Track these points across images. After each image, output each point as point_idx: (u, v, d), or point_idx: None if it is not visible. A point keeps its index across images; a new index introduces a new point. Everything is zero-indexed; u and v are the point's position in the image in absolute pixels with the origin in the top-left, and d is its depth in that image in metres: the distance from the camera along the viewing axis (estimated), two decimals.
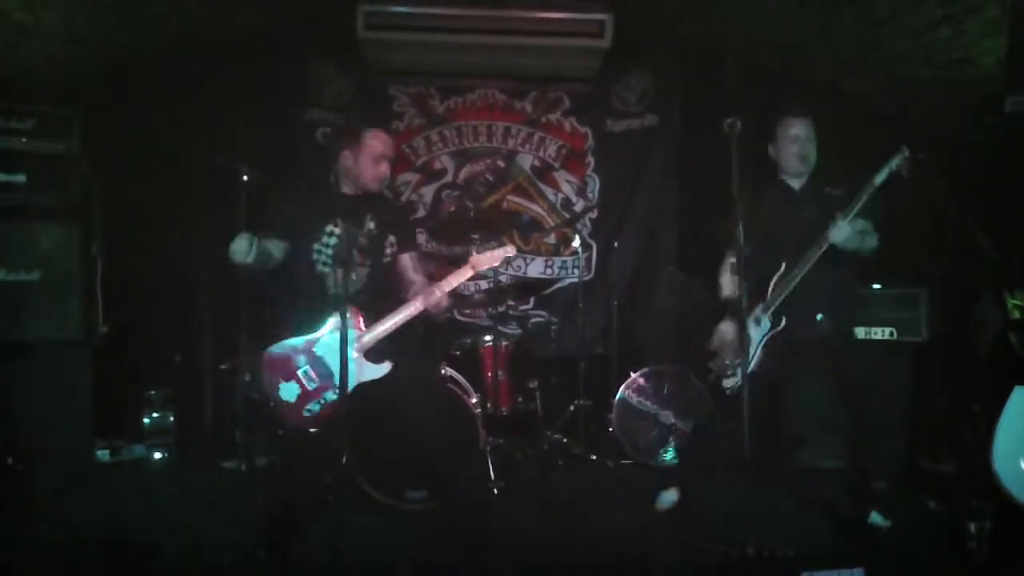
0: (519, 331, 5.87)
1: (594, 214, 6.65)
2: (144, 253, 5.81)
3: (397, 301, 3.85)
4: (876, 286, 5.28)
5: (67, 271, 4.82)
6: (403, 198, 6.50)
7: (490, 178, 6.65)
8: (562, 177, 6.68)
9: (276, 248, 3.90)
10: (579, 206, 6.63)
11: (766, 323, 4.14)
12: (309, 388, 3.68)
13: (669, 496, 4.39)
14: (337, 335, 3.58)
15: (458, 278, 3.83)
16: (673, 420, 5.43)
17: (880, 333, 5.23)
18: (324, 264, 3.76)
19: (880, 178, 3.91)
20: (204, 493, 4.78)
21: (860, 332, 5.24)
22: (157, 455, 5.47)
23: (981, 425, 4.59)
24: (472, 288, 6.46)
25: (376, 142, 3.79)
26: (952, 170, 5.60)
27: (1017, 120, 4.22)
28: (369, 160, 3.75)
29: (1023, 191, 5.04)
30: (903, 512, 4.30)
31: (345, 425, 3.74)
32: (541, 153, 6.66)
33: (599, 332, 6.24)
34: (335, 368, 3.63)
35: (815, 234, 3.99)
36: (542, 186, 6.68)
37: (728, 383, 4.27)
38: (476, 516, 3.82)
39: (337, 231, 3.75)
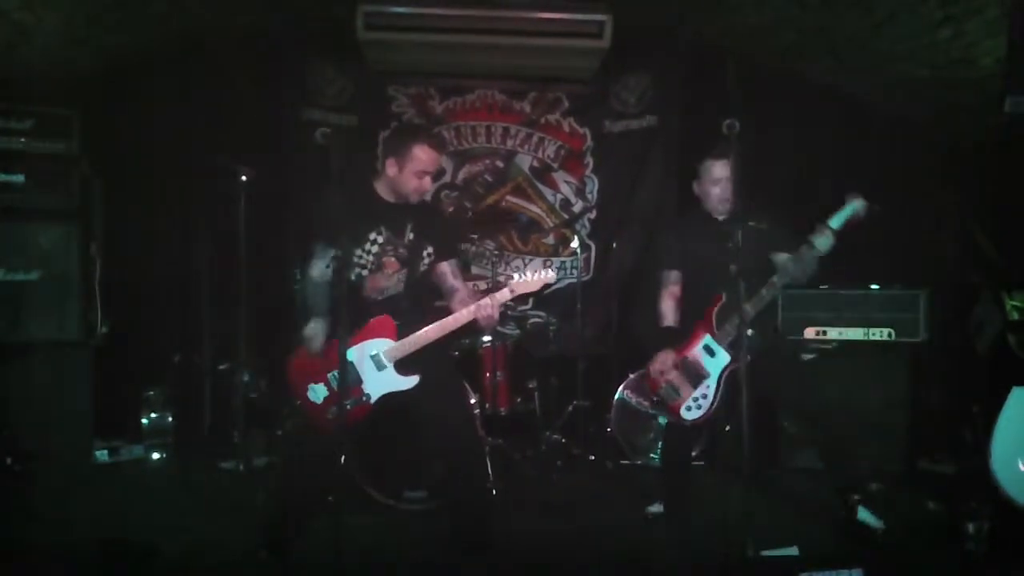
0: (518, 332, 5.87)
1: (593, 215, 6.64)
2: (143, 253, 5.81)
3: (434, 312, 3.81)
4: (874, 287, 5.28)
5: (66, 271, 4.82)
6: None
7: (489, 179, 6.64)
8: (561, 178, 6.68)
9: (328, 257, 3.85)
10: (578, 207, 6.63)
11: (723, 355, 4.02)
12: (337, 391, 3.66)
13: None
14: (372, 342, 3.64)
15: (495, 302, 3.72)
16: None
17: (879, 334, 5.23)
18: (363, 268, 3.74)
19: (837, 222, 3.89)
20: (203, 493, 4.78)
21: (859, 333, 5.25)
22: (156, 455, 5.47)
23: (980, 426, 4.60)
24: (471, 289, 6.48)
25: (423, 155, 3.73)
26: (952, 171, 5.61)
27: (1017, 121, 4.22)
28: (412, 174, 3.69)
29: (1022, 192, 5.05)
30: (902, 513, 4.31)
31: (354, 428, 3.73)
32: (540, 154, 6.66)
33: (598, 333, 6.24)
34: (364, 375, 3.63)
35: (748, 264, 3.85)
36: (541, 187, 6.67)
37: (688, 416, 4.10)
38: (475, 516, 3.80)
39: (380, 239, 3.73)
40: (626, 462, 5.41)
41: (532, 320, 6.18)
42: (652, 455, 5.40)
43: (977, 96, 5.11)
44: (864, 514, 4.05)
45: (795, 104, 6.08)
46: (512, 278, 3.78)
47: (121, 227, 5.49)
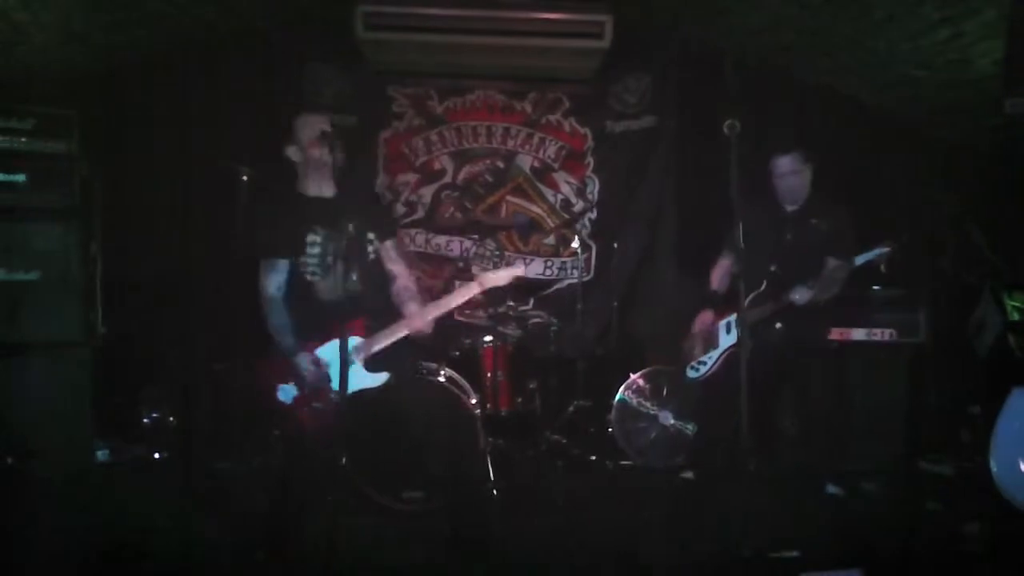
0: (519, 332, 5.87)
1: (593, 215, 6.64)
2: (143, 253, 5.81)
3: (387, 303, 3.80)
4: (876, 287, 5.28)
5: (66, 271, 4.80)
6: (402, 199, 6.50)
7: (489, 179, 6.64)
8: (561, 178, 6.68)
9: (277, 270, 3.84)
10: (578, 207, 6.63)
11: (734, 336, 4.34)
12: (306, 391, 3.66)
13: None
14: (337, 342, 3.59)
15: (463, 296, 3.78)
16: (672, 421, 5.43)
17: (880, 334, 5.23)
18: (312, 273, 3.71)
19: (861, 260, 4.50)
20: (202, 493, 4.78)
21: (861, 333, 5.25)
22: (156, 455, 5.46)
23: (980, 427, 4.61)
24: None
25: (305, 126, 3.72)
26: (951, 172, 5.61)
27: (1016, 122, 4.22)
28: (309, 146, 3.67)
29: (1022, 193, 5.05)
30: (902, 513, 4.31)
31: (344, 426, 3.72)
32: (540, 154, 6.66)
33: (598, 333, 6.24)
34: (333, 373, 3.60)
35: (796, 259, 4.21)
36: (541, 187, 6.67)
37: (691, 373, 4.64)
38: (475, 517, 3.80)
39: (318, 239, 3.70)
40: (627, 463, 5.41)
41: (533, 320, 6.18)
42: (653, 456, 5.41)
43: (975, 97, 5.11)
44: (831, 488, 4.53)
45: (793, 104, 6.08)
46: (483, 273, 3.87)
47: (121, 227, 5.48)
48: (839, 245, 4.41)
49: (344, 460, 3.70)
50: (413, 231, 6.52)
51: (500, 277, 3.82)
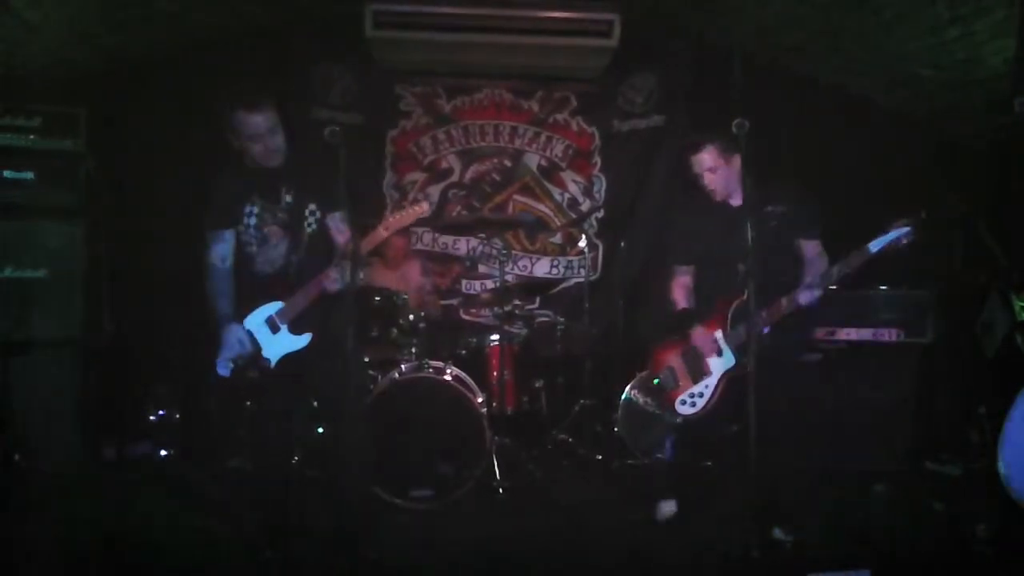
0: (525, 331, 5.87)
1: (600, 214, 6.64)
2: (150, 251, 5.81)
3: (320, 271, 3.69)
4: (883, 287, 5.27)
5: (73, 269, 4.82)
6: (409, 197, 6.49)
7: (497, 178, 6.65)
8: (569, 177, 6.68)
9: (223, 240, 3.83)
10: (585, 206, 6.62)
11: (729, 356, 3.96)
12: (238, 363, 3.70)
13: (668, 507, 4.29)
14: (266, 309, 3.68)
15: (371, 242, 3.74)
16: (678, 421, 5.41)
17: (887, 335, 5.21)
18: (249, 244, 3.72)
19: (876, 246, 3.66)
20: (209, 491, 4.78)
21: (868, 333, 5.23)
22: (163, 453, 5.47)
23: (987, 427, 4.59)
24: (478, 288, 6.48)
25: (244, 122, 3.59)
26: (960, 171, 5.59)
27: None
28: (247, 140, 3.62)
29: None
30: (909, 514, 4.30)
31: (351, 425, 3.73)
32: (548, 153, 6.66)
33: (605, 332, 6.24)
34: (261, 340, 3.69)
35: (760, 254, 3.72)
36: (549, 186, 6.67)
37: (683, 410, 4.10)
38: (481, 515, 3.81)
39: (255, 209, 3.69)
40: (632, 462, 5.40)
41: (539, 319, 6.18)
42: (658, 454, 5.40)
43: (985, 96, 5.09)
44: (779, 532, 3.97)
45: (802, 103, 6.06)
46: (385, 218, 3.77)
47: (128, 225, 5.50)
48: (811, 225, 3.99)
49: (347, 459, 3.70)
50: (420, 229, 6.52)
51: (406, 216, 3.76)
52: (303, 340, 3.69)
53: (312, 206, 3.74)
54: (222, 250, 3.72)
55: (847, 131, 5.96)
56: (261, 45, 6.09)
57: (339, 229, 3.76)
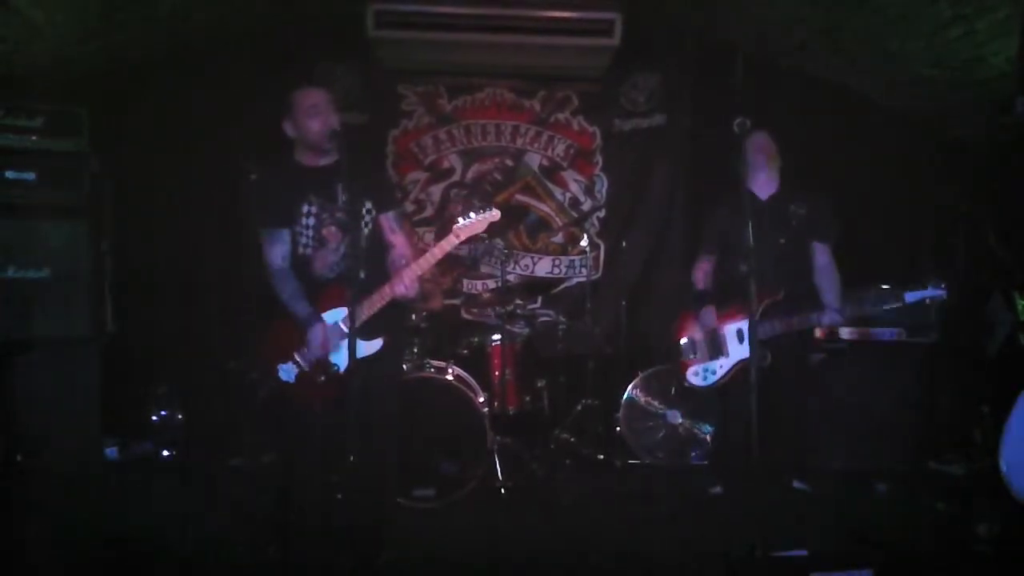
0: (527, 330, 5.87)
1: (602, 213, 6.64)
2: (153, 251, 5.82)
3: (383, 273, 3.69)
4: (885, 287, 5.26)
5: (76, 268, 4.82)
6: (411, 197, 6.49)
7: (498, 177, 6.64)
8: (570, 176, 6.67)
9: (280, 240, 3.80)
10: (587, 205, 6.62)
11: (747, 348, 3.98)
12: (306, 368, 3.63)
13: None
14: (331, 315, 3.60)
15: (442, 250, 3.67)
16: (680, 420, 5.42)
17: (890, 334, 5.21)
18: (305, 247, 3.68)
19: (912, 298, 4.14)
20: (212, 490, 4.79)
21: (871, 333, 5.23)
22: (165, 452, 5.47)
23: (990, 427, 4.58)
24: (480, 287, 6.48)
25: (303, 98, 3.61)
26: (963, 171, 5.58)
27: None
28: (304, 116, 3.61)
29: None
30: (912, 513, 4.30)
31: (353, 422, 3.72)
32: (549, 152, 6.65)
33: (607, 332, 6.23)
34: (332, 347, 3.59)
35: (782, 249, 4.05)
36: (550, 185, 6.67)
37: (693, 380, 4.46)
38: (483, 515, 3.80)
39: (313, 209, 3.66)
40: (635, 461, 5.41)
41: (541, 319, 6.18)
42: (659, 454, 5.41)
43: (987, 95, 5.08)
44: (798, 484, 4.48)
45: (805, 102, 6.05)
46: (458, 222, 3.69)
47: (131, 224, 5.50)
48: (825, 232, 4.36)
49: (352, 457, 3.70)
50: (422, 229, 6.52)
51: (479, 224, 3.68)
52: (374, 345, 3.62)
53: (368, 205, 3.70)
54: (282, 250, 3.66)
55: (848, 130, 5.95)
56: (262, 45, 6.09)
57: (392, 228, 3.76)
